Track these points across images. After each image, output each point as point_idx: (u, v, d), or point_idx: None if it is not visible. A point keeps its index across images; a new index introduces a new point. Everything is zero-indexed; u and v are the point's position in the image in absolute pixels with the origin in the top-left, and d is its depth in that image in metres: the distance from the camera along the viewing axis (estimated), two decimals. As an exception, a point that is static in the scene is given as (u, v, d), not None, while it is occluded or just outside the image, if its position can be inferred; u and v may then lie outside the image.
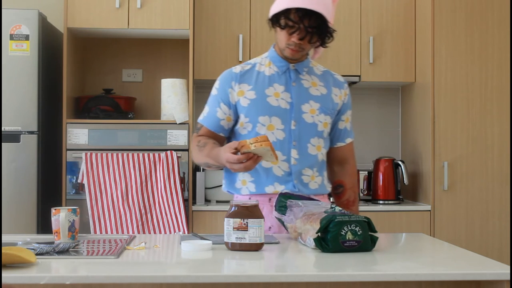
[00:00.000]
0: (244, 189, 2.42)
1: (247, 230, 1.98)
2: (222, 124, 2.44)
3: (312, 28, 2.29)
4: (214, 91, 2.47)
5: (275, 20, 2.34)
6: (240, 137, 2.44)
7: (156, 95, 4.20)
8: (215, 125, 2.44)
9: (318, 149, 2.44)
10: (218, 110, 2.43)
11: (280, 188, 2.37)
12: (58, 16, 4.04)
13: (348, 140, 2.57)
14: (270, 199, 2.38)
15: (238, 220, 1.99)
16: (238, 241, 1.99)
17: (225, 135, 2.47)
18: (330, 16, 2.31)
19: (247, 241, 1.99)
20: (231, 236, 2.00)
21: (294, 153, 2.39)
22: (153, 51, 4.30)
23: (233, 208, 2.02)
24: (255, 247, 1.99)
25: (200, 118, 2.50)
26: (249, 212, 2.00)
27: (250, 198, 2.40)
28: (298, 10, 2.27)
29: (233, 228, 1.99)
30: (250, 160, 2.15)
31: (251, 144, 2.12)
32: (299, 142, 2.40)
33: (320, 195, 2.44)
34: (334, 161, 2.57)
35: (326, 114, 2.45)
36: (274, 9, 2.34)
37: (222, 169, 2.47)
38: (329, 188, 2.51)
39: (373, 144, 4.44)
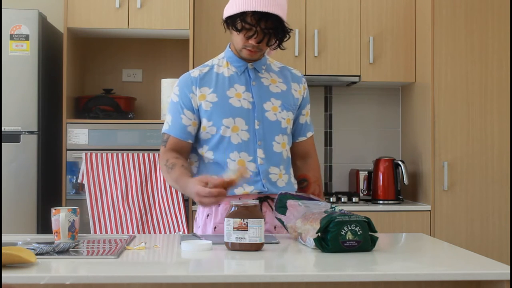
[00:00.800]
0: None
1: (247, 230, 1.98)
2: (190, 130, 2.40)
3: (269, 30, 2.28)
4: (174, 98, 2.42)
5: (231, 23, 2.31)
6: (203, 142, 2.41)
7: (156, 95, 4.20)
8: (182, 132, 2.39)
9: (282, 146, 2.43)
10: (183, 117, 2.39)
11: (249, 189, 2.36)
12: (58, 16, 4.04)
13: (309, 134, 2.57)
14: (240, 198, 2.36)
15: (238, 220, 1.99)
16: (238, 241, 1.99)
17: (192, 142, 2.42)
18: (285, 15, 2.30)
19: (247, 241, 1.99)
20: (231, 236, 2.00)
21: (260, 153, 2.38)
22: (153, 51, 4.30)
23: (233, 208, 2.02)
24: (255, 247, 1.99)
25: (165, 128, 2.43)
26: (249, 212, 2.00)
27: None
28: (255, 13, 2.25)
29: (233, 228, 1.99)
30: (223, 192, 2.13)
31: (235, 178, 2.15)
32: (264, 141, 2.39)
33: None
34: (297, 155, 2.55)
35: (288, 110, 2.44)
36: (229, 11, 2.31)
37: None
38: (295, 185, 2.50)
39: (373, 144, 4.44)
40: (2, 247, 1.69)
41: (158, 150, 3.70)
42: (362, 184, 4.17)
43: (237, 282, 1.71)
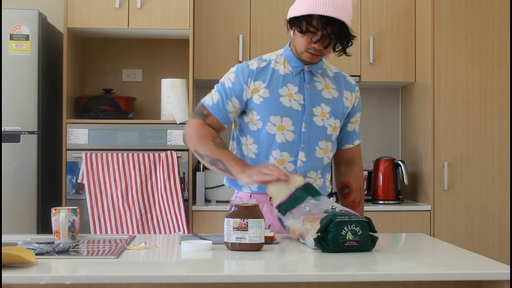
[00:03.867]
0: (245, 187, 2.41)
1: (247, 230, 1.98)
2: (230, 117, 2.42)
3: (334, 35, 2.27)
4: (227, 82, 2.41)
5: (295, 24, 2.31)
6: (249, 132, 2.41)
7: (156, 95, 4.19)
8: (224, 116, 2.41)
9: (325, 152, 2.43)
10: (229, 103, 2.39)
11: None
12: (58, 16, 4.04)
13: (356, 142, 2.57)
14: (270, 198, 2.37)
15: (238, 220, 1.99)
16: (238, 241, 1.99)
17: (226, 127, 2.46)
18: (350, 22, 2.30)
19: (247, 241, 1.99)
20: (231, 236, 2.00)
21: (301, 156, 2.38)
22: (153, 51, 4.30)
23: (233, 208, 2.02)
24: (255, 247, 1.99)
25: (209, 104, 2.42)
26: (249, 212, 2.00)
27: (251, 196, 2.40)
28: (321, 17, 2.24)
29: (233, 228, 1.99)
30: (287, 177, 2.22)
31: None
32: (308, 145, 2.39)
33: None
34: (342, 161, 2.57)
35: (336, 118, 2.44)
36: (295, 12, 2.31)
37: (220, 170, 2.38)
38: (329, 189, 2.50)
39: (373, 144, 4.44)
40: (2, 247, 1.69)
41: (157, 150, 3.70)
42: (362, 184, 4.17)
43: (237, 282, 1.71)
